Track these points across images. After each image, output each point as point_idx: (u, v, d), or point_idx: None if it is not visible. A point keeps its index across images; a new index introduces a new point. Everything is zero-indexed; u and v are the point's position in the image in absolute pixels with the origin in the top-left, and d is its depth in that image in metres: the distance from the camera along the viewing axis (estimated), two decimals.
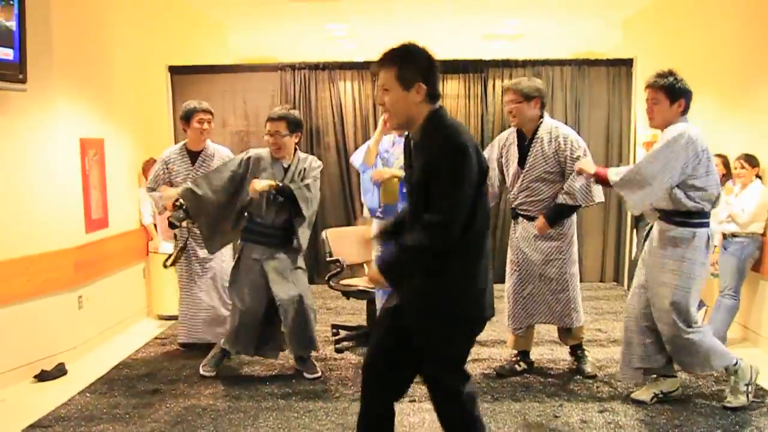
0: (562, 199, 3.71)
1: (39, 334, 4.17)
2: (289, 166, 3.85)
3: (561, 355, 4.24)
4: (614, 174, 3.33)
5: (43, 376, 4.06)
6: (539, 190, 3.78)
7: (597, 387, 3.73)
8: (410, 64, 2.29)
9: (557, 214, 3.73)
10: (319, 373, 3.92)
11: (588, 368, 3.92)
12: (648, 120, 3.49)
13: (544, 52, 6.41)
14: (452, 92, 6.49)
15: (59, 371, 4.14)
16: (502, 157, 3.96)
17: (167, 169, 4.35)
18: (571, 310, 3.81)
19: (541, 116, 3.78)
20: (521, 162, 3.81)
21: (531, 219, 3.81)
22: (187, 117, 4.27)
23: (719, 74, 5.37)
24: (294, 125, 3.79)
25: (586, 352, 4.02)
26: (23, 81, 3.93)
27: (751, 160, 4.63)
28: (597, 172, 3.41)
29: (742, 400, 3.40)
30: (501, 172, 3.98)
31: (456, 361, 2.40)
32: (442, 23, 7.31)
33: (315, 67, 6.38)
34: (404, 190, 4.03)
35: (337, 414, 3.38)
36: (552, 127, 3.77)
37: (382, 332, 2.50)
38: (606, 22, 7.21)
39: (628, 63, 6.22)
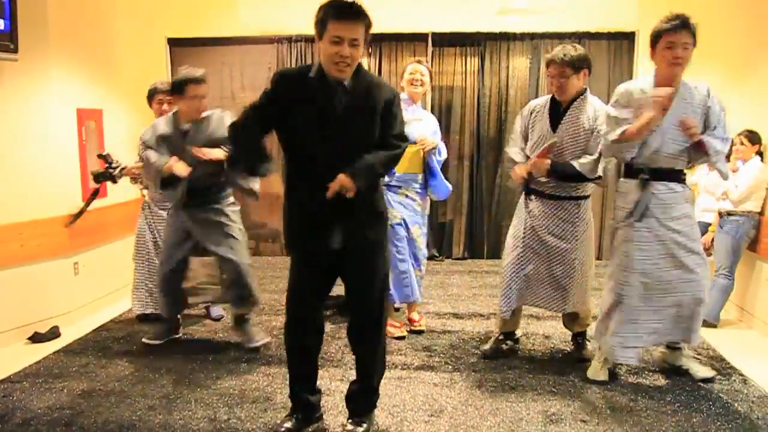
0: (576, 164, 3.42)
1: (33, 298, 4.31)
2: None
3: (535, 329, 4.25)
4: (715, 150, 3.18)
5: (36, 338, 4.19)
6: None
7: (561, 361, 3.73)
8: (371, 23, 2.52)
9: (563, 171, 3.44)
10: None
11: (587, 355, 3.71)
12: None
13: (557, 27, 6.27)
14: (448, 66, 6.44)
15: (52, 334, 4.26)
16: (529, 124, 3.64)
17: None
18: (570, 296, 3.54)
19: (585, 88, 3.52)
20: (553, 128, 3.51)
21: (546, 197, 3.54)
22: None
23: (725, 49, 5.21)
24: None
25: (587, 340, 3.78)
26: (14, 51, 4.03)
27: (752, 137, 4.53)
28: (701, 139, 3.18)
29: (708, 371, 3.40)
30: (525, 141, 3.68)
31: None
32: None
33: (311, 39, 6.34)
34: (438, 158, 4.13)
35: None
36: (590, 99, 3.52)
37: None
38: None
39: (630, 36, 6.08)
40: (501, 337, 3.83)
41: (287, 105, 2.54)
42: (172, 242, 3.89)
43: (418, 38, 6.35)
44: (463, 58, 6.40)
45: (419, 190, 4.14)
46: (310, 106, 2.52)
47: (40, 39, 4.32)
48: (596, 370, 3.44)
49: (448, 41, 6.35)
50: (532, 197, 3.61)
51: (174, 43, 6.22)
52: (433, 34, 6.30)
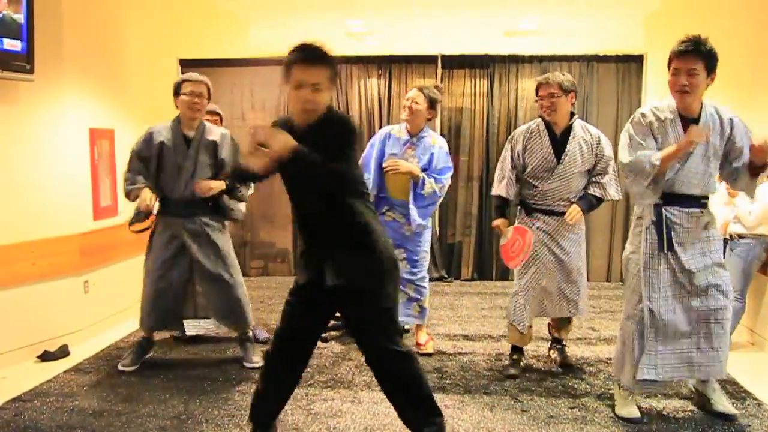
0: (595, 191, 3.70)
1: (43, 316, 4.31)
2: (194, 137, 3.81)
3: (546, 351, 4.21)
4: None
5: (46, 357, 4.19)
6: (569, 188, 3.68)
7: (573, 383, 3.70)
8: (335, 65, 2.44)
9: (590, 206, 3.72)
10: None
11: (569, 360, 4.02)
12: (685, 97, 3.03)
13: (564, 50, 6.32)
14: (457, 89, 6.48)
15: (62, 353, 4.27)
16: (525, 150, 3.75)
17: None
18: (579, 299, 3.78)
19: (573, 112, 3.73)
20: (557, 156, 3.67)
21: (550, 214, 3.72)
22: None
23: (734, 70, 5.22)
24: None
25: (565, 346, 4.08)
26: (30, 72, 4.09)
27: None
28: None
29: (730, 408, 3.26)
30: (520, 166, 3.79)
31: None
32: (459, 19, 7.28)
33: None
34: (419, 190, 4.02)
35: (306, 400, 3.45)
36: (583, 124, 3.75)
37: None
38: (627, 19, 7.07)
39: (638, 59, 6.12)
40: (516, 357, 3.89)
41: None
42: (165, 258, 3.82)
43: (427, 60, 6.42)
44: (472, 79, 6.46)
45: (406, 214, 4.06)
46: None
47: (55, 60, 4.39)
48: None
49: (457, 63, 6.42)
50: (536, 215, 3.75)
51: (185, 64, 6.28)
52: (443, 56, 6.37)
